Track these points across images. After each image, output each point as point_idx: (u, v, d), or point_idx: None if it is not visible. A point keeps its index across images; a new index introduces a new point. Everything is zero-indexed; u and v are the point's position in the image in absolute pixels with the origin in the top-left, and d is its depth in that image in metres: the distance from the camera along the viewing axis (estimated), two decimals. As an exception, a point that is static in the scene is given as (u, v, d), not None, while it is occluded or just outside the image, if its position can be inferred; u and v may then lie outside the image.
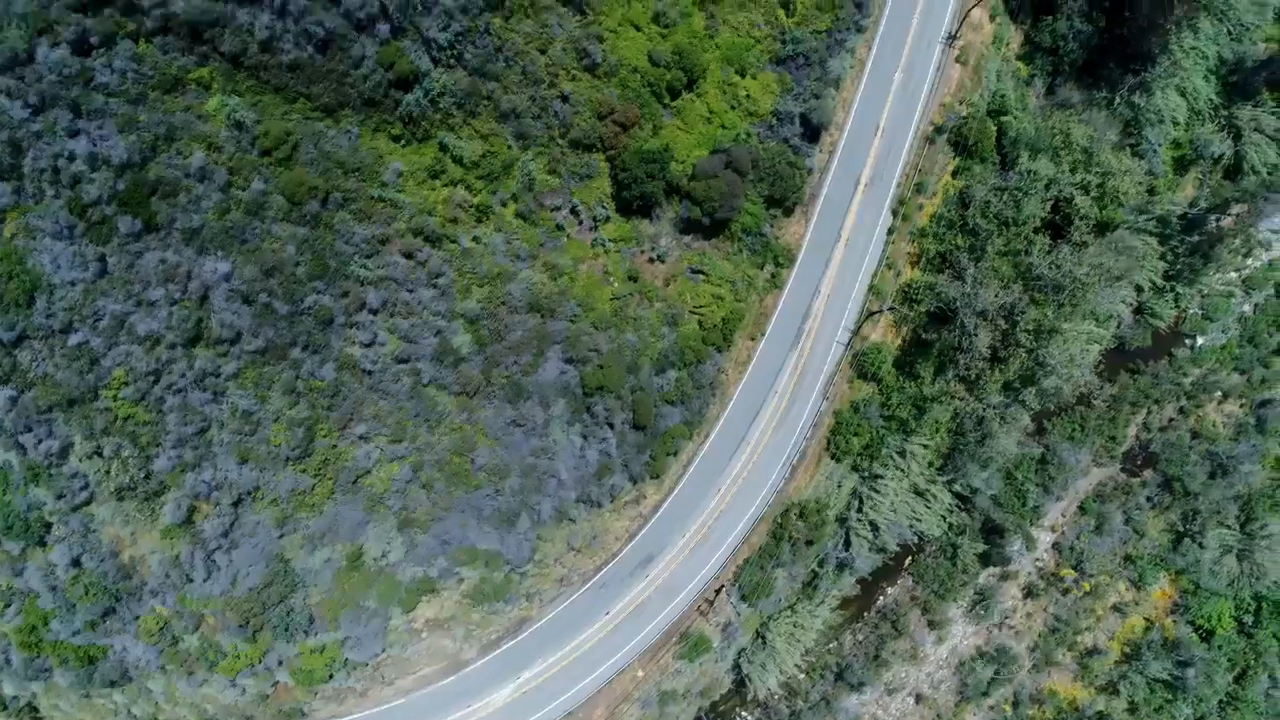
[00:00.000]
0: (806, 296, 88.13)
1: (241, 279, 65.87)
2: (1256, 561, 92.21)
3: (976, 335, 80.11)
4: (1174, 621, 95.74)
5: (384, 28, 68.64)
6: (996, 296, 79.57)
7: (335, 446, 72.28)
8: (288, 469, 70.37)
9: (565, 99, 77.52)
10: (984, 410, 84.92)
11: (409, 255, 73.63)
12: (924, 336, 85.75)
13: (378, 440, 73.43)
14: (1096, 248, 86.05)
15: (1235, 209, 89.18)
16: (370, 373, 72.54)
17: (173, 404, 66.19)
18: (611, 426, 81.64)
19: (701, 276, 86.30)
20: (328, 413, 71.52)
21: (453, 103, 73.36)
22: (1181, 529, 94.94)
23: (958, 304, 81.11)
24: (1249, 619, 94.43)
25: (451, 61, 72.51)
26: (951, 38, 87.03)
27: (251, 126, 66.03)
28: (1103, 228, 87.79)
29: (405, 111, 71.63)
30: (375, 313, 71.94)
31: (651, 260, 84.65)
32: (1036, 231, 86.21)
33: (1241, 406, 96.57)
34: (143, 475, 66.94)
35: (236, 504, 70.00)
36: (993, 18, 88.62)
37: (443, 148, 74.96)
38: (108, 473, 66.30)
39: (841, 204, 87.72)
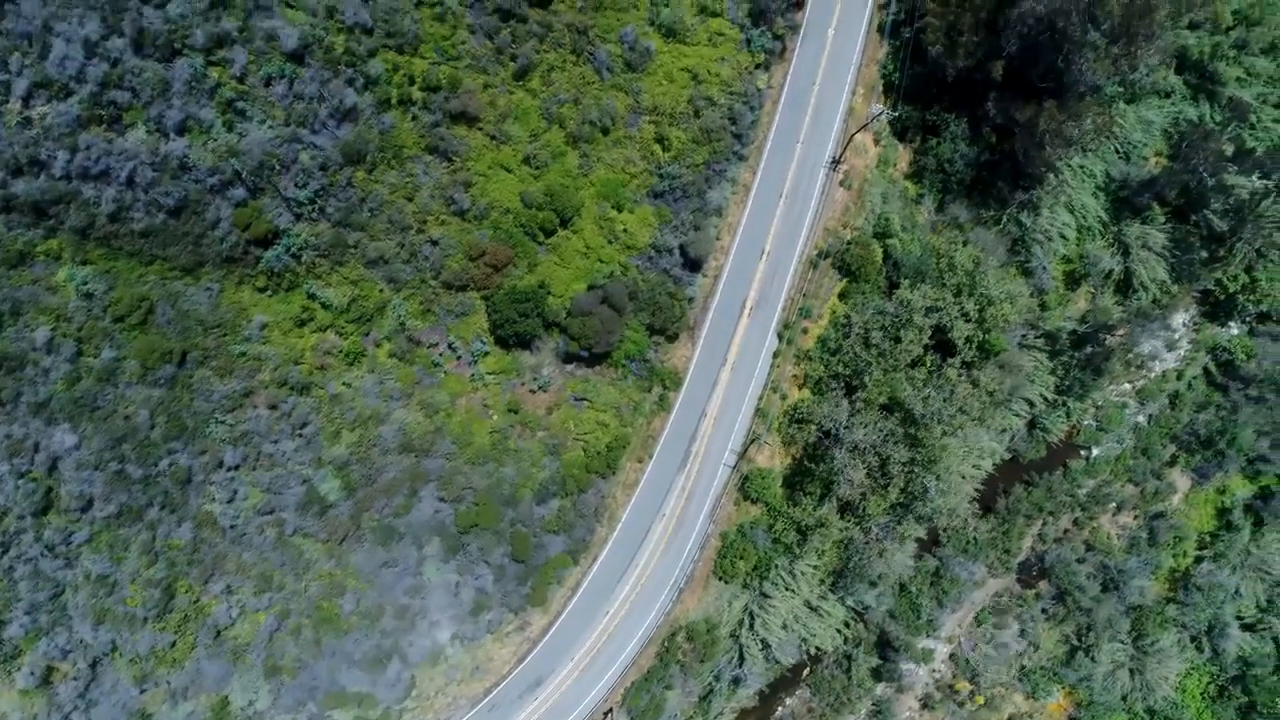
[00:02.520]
0: (694, 419, 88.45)
1: (90, 450, 66.22)
2: (1147, 677, 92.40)
3: (848, 469, 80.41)
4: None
5: (239, 191, 69.10)
6: (866, 433, 79.88)
7: (197, 601, 72.60)
8: (146, 628, 70.68)
9: (435, 243, 77.95)
10: (865, 538, 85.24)
11: (273, 406, 73.98)
12: (806, 464, 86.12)
13: (241, 593, 73.74)
14: (984, 373, 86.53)
15: (1120, 330, 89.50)
16: (232, 527, 72.86)
17: (23, 572, 66.61)
18: (488, 563, 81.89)
19: (586, 403, 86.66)
20: (189, 569, 71.88)
21: (316, 254, 73.81)
22: (1075, 642, 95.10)
23: (829, 440, 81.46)
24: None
25: (314, 215, 72.97)
26: (836, 162, 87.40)
27: (102, 295, 66.41)
28: (987, 352, 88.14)
29: (266, 267, 72.08)
30: (235, 469, 72.24)
31: (533, 391, 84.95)
32: (925, 352, 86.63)
33: (1135, 518, 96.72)
34: (-5, 641, 67.40)
35: (94, 665, 70.30)
36: (877, 141, 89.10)
37: (311, 296, 75.38)
38: (-40, 639, 66.71)
39: (727, 327, 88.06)
